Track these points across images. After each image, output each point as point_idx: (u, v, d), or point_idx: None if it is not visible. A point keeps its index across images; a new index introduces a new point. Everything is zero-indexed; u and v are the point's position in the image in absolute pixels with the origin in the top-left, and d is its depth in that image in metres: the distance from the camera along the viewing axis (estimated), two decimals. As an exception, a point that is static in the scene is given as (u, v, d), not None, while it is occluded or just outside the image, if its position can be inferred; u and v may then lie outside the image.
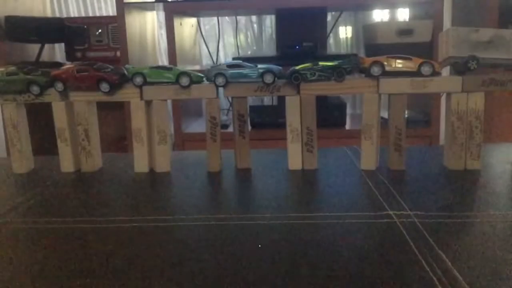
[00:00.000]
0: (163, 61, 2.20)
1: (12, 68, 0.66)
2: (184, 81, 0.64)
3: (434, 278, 0.34)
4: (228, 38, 2.22)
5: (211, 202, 0.54)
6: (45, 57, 1.96)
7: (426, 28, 1.65)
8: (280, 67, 0.64)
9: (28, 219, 0.50)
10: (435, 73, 0.62)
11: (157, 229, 0.46)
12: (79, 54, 1.93)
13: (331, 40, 2.16)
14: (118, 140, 1.98)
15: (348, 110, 1.88)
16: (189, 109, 1.92)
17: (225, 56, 2.21)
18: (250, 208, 0.51)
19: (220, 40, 2.16)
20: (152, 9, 1.98)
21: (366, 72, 0.63)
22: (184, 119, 1.79)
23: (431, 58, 0.62)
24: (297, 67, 0.63)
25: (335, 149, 0.77)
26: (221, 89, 0.65)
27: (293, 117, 0.65)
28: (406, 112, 0.64)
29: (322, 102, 1.74)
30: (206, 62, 2.20)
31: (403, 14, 2.07)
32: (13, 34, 1.75)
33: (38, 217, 0.50)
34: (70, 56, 1.92)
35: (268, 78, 0.63)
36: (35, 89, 0.66)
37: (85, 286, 0.35)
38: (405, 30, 1.66)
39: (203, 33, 2.17)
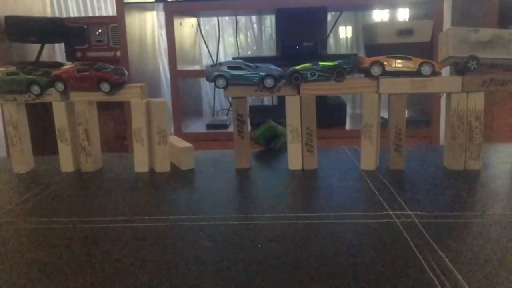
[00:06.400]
0: (163, 61, 2.20)
1: (12, 68, 0.66)
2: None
3: (434, 278, 0.34)
4: (228, 38, 2.22)
5: (211, 202, 0.54)
6: (45, 57, 1.96)
7: (426, 28, 1.65)
8: (279, 69, 0.65)
9: (28, 219, 0.50)
10: (435, 73, 0.62)
11: (157, 229, 0.46)
12: (79, 54, 1.93)
13: (331, 40, 2.16)
14: (118, 140, 1.98)
15: (348, 110, 1.87)
16: (189, 109, 1.92)
17: (225, 56, 2.21)
18: (250, 208, 0.51)
19: (220, 40, 2.16)
20: (152, 9, 1.98)
21: (366, 72, 0.63)
22: (184, 119, 1.79)
23: (431, 58, 0.62)
24: (297, 67, 0.63)
25: (335, 149, 0.77)
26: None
27: (293, 117, 0.65)
28: (406, 112, 0.64)
29: (322, 102, 1.74)
30: (206, 62, 2.20)
31: (403, 14, 2.07)
32: (13, 34, 1.75)
33: (38, 217, 0.50)
34: (70, 56, 1.91)
35: (269, 82, 0.63)
36: (36, 89, 0.66)
37: (85, 286, 0.35)
38: (405, 30, 1.66)
39: (203, 33, 2.17)
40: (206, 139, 1.76)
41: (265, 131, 0.77)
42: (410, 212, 0.48)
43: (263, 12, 2.10)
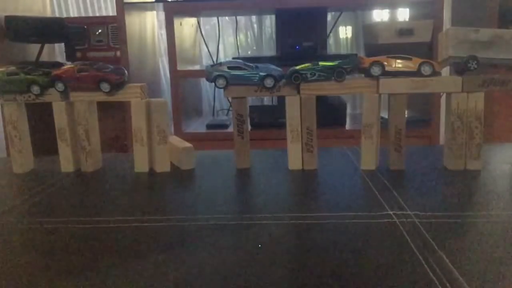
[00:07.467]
0: (163, 61, 2.20)
1: (12, 68, 0.66)
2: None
3: (434, 278, 0.34)
4: (228, 38, 2.22)
5: (211, 202, 0.54)
6: (45, 57, 1.96)
7: (426, 28, 1.65)
8: (279, 69, 0.65)
9: (28, 219, 0.50)
10: (435, 73, 0.62)
11: (157, 229, 0.46)
12: (79, 54, 1.93)
13: (331, 40, 2.16)
14: (118, 140, 1.98)
15: (348, 110, 1.87)
16: (189, 109, 1.92)
17: (225, 56, 2.21)
18: (250, 208, 0.51)
19: (220, 40, 2.16)
20: (152, 9, 1.98)
21: (366, 72, 0.63)
22: (184, 119, 1.79)
23: (431, 58, 0.62)
24: (297, 67, 0.63)
25: (335, 149, 0.77)
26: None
27: (293, 117, 0.65)
28: (406, 112, 0.64)
29: (322, 102, 1.74)
30: (206, 62, 2.20)
31: (403, 14, 2.07)
32: (13, 34, 1.75)
33: (38, 217, 0.50)
34: (70, 56, 1.91)
35: (269, 82, 0.63)
36: (36, 89, 0.66)
37: (85, 286, 0.35)
38: (405, 30, 1.66)
39: (203, 33, 2.17)
40: (206, 139, 1.76)
41: None
42: (410, 212, 0.48)
43: (263, 12, 2.10)
